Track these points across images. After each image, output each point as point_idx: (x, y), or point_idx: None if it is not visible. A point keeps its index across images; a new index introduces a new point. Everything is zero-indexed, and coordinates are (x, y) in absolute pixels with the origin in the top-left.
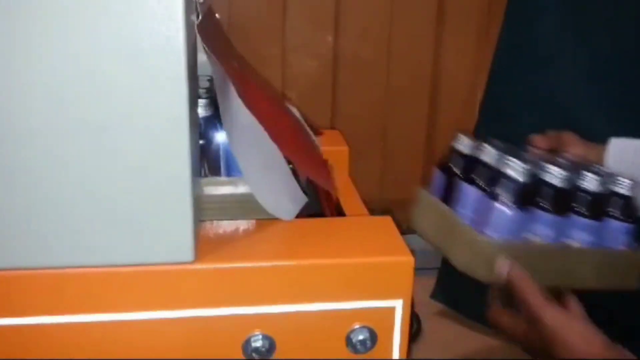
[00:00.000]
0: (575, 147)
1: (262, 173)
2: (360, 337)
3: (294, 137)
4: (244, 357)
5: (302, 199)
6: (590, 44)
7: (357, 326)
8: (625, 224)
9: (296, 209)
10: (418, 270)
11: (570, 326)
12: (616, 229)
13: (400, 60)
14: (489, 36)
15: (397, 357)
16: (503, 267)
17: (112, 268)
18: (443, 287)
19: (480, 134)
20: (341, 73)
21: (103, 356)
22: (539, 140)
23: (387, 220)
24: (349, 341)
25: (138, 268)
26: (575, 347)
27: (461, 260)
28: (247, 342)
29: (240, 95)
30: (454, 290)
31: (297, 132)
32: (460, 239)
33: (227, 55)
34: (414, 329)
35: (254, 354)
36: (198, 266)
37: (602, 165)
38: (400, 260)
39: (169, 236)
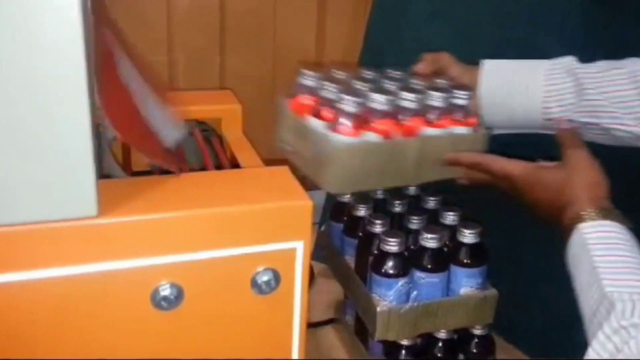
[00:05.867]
0: (453, 68)
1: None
2: (265, 279)
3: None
4: (153, 307)
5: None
6: (463, 6)
7: (261, 269)
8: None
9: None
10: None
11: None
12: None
13: (287, 17)
14: None
15: (299, 295)
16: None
17: (15, 226)
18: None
19: None
20: (228, 33)
21: (10, 316)
22: (420, 66)
23: (284, 170)
24: (254, 283)
25: (42, 225)
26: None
27: (313, 166)
28: (155, 291)
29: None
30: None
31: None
32: (313, 140)
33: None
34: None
35: (162, 303)
36: (102, 220)
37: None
38: (299, 204)
39: (72, 192)
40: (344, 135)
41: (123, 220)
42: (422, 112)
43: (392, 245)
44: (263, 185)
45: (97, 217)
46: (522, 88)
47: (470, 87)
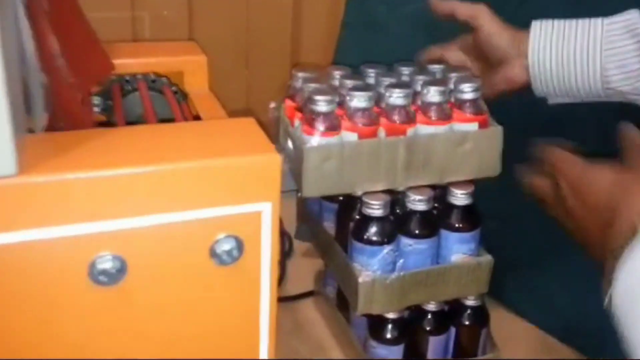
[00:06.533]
0: (488, 25)
1: None
2: (226, 247)
3: None
4: (91, 282)
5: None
6: None
7: (221, 236)
8: None
9: None
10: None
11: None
12: None
13: None
14: None
15: (267, 265)
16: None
17: None
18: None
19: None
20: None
21: None
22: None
23: (250, 122)
24: (213, 253)
25: None
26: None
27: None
28: (93, 264)
29: None
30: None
31: None
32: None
33: None
34: (286, 248)
35: (101, 277)
36: (22, 179)
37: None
38: (264, 158)
39: None
40: (315, 137)
41: (48, 180)
42: (418, 108)
43: (376, 208)
44: (222, 138)
45: (16, 175)
46: (578, 52)
47: (477, 79)
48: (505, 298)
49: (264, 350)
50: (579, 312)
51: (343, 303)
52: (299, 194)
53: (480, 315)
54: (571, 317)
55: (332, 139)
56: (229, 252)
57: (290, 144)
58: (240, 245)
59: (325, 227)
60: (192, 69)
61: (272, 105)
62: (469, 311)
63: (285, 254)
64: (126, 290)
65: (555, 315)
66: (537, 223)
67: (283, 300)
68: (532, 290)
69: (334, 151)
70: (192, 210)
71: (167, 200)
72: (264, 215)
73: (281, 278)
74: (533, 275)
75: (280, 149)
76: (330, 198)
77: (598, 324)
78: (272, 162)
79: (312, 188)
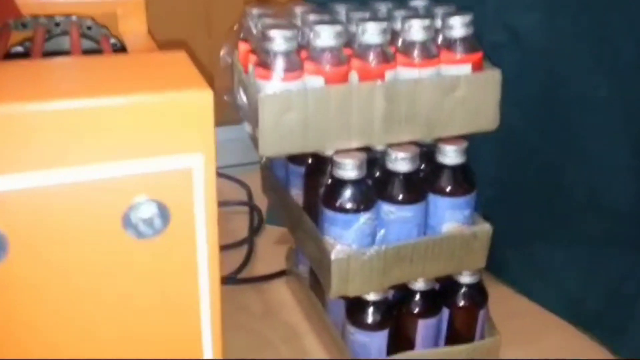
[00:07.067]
0: None
1: None
2: (145, 216)
3: None
4: None
5: None
6: None
7: (138, 200)
8: None
9: None
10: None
11: None
12: None
13: None
14: None
15: (202, 237)
16: None
17: None
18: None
19: None
20: None
21: None
22: None
23: (181, 55)
24: (127, 223)
25: None
26: None
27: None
28: None
29: None
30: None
31: None
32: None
33: None
34: (256, 223)
35: None
36: None
37: None
38: (193, 95)
39: None
40: (273, 82)
41: None
42: (396, 49)
43: (349, 169)
44: (143, 72)
45: None
46: None
47: (468, 12)
48: (503, 274)
49: (207, 345)
50: (585, 288)
51: (318, 283)
52: (261, 158)
53: (478, 295)
54: (576, 294)
55: (293, 85)
56: (148, 222)
57: (244, 95)
58: (164, 213)
59: (292, 196)
60: (127, 11)
61: (223, 50)
62: (464, 290)
63: (254, 229)
64: (6, 271)
65: (559, 292)
66: (541, 190)
67: (251, 281)
68: (534, 264)
69: (296, 100)
70: (93, 164)
71: (61, 151)
72: (196, 174)
73: (248, 257)
74: (535, 248)
75: (232, 100)
76: (297, 160)
77: (605, 301)
78: (202, 100)
79: (271, 145)
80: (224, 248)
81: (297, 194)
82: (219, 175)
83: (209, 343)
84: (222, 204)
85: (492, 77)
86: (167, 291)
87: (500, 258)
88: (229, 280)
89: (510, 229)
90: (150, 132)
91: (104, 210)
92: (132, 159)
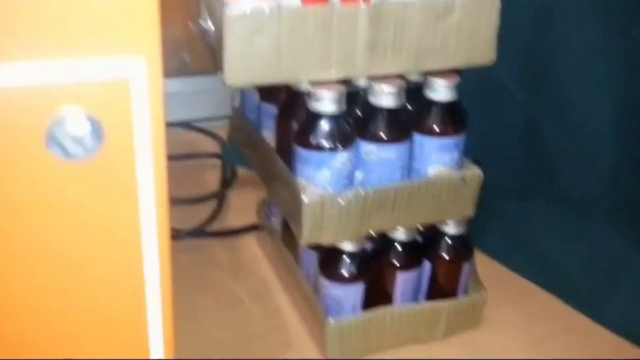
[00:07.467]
0: None
1: None
2: (75, 133)
3: None
4: None
5: None
6: None
7: (65, 113)
8: None
9: None
10: None
11: None
12: None
13: None
14: None
15: (144, 162)
16: None
17: None
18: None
19: None
20: None
21: None
22: None
23: None
24: (52, 140)
25: None
26: None
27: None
28: None
29: None
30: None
31: None
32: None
33: None
34: (229, 176)
35: None
36: None
37: None
38: None
39: None
40: (242, 1)
41: None
42: None
43: (327, 102)
44: None
45: None
46: None
47: None
48: (482, 243)
49: (154, 305)
50: (565, 257)
51: (290, 237)
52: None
53: (463, 247)
54: (556, 263)
55: (265, 4)
56: (78, 141)
57: (209, 19)
58: (97, 130)
59: (263, 137)
60: None
61: None
62: (448, 241)
63: (226, 183)
64: None
65: (538, 261)
66: (523, 157)
67: (221, 235)
68: (513, 233)
69: (268, 21)
70: (8, 62)
71: None
72: (136, 82)
73: (219, 209)
74: (516, 217)
75: (198, 28)
76: (270, 97)
77: (586, 272)
78: None
79: (238, 73)
80: (195, 201)
81: (269, 135)
82: (192, 127)
83: (156, 301)
84: (193, 156)
85: (490, 1)
86: (101, 227)
87: (479, 226)
88: (197, 232)
89: (490, 197)
90: (80, 26)
91: (22, 123)
92: (56, 58)
